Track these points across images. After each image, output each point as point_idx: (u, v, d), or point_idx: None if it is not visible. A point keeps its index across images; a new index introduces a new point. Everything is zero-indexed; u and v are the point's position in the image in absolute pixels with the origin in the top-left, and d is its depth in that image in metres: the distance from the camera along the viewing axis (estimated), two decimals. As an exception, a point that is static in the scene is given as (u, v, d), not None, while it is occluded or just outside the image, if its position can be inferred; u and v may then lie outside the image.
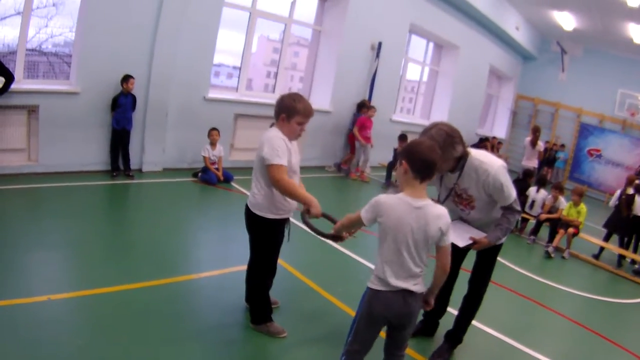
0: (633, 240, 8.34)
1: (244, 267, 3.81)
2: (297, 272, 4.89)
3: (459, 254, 3.60)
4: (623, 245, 8.29)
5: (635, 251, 8.15)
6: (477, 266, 3.72)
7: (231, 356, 3.40)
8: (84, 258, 4.54)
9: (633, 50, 15.27)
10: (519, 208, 3.32)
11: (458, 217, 3.53)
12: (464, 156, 3.19)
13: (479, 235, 3.35)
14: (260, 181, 3.38)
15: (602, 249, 8.02)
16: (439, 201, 3.37)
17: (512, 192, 3.24)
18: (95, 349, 3.15)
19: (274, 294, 3.92)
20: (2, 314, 3.36)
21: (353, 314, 4.14)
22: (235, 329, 3.73)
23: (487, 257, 3.65)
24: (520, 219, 8.40)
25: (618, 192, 8.65)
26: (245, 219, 3.56)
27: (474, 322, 3.98)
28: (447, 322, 4.04)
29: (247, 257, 3.73)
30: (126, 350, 3.21)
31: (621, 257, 8.01)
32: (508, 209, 3.30)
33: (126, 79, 7.14)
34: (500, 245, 3.58)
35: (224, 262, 4.90)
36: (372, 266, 2.51)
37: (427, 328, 4.10)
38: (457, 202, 3.43)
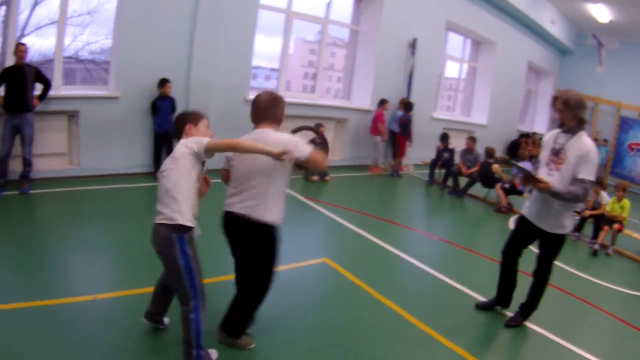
0: None
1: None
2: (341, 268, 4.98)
3: (523, 240, 4.34)
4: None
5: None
6: (542, 252, 4.26)
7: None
8: (127, 258, 4.63)
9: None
10: (589, 189, 3.88)
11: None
12: (582, 124, 3.93)
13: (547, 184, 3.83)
14: (273, 182, 3.20)
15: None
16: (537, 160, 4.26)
17: (593, 173, 3.84)
18: (144, 350, 3.23)
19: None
20: (50, 313, 3.47)
21: (399, 310, 4.23)
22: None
23: (550, 246, 4.17)
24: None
25: None
26: (246, 239, 3.29)
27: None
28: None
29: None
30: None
31: None
32: (581, 182, 3.81)
33: (162, 82, 7.35)
34: (563, 238, 4.11)
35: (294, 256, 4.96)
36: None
37: (502, 300, 4.60)
38: (552, 160, 4.04)
